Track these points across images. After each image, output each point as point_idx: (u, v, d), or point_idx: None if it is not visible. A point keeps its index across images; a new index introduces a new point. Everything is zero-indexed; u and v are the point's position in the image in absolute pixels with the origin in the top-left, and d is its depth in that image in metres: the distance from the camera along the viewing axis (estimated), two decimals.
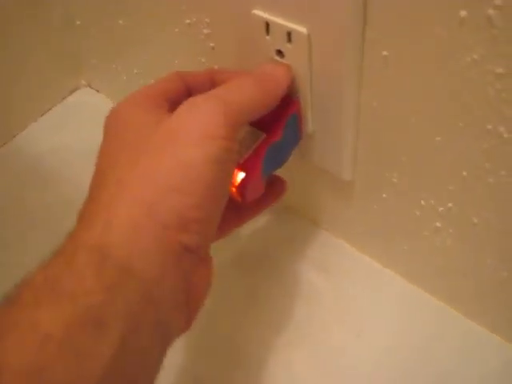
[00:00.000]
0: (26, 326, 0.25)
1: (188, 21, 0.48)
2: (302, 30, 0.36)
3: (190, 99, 0.34)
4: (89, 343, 0.25)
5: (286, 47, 0.38)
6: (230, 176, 0.35)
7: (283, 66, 0.39)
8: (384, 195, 0.45)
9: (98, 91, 0.76)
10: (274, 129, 0.40)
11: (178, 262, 0.31)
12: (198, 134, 0.32)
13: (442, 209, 0.41)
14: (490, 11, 0.28)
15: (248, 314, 0.52)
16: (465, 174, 0.37)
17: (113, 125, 0.36)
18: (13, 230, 0.62)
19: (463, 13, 0.29)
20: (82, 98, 0.75)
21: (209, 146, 0.31)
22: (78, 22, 0.65)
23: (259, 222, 0.58)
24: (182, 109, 0.33)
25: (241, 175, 0.38)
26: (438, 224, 0.43)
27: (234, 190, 0.38)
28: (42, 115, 0.74)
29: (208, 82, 0.41)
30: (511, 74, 0.30)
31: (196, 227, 0.31)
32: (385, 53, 0.35)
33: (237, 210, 0.43)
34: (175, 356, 0.50)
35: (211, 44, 0.48)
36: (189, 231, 0.31)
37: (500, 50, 0.30)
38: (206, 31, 0.47)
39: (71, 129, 0.71)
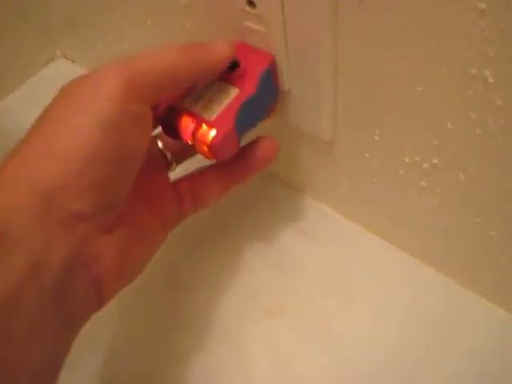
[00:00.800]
0: None
1: None
2: None
3: (99, 66, 0.32)
4: None
5: None
6: (134, 138, 0.32)
7: (222, 39, 0.37)
8: (366, 155, 0.43)
9: (73, 62, 0.73)
10: (248, 83, 0.38)
11: (68, 230, 0.29)
12: (89, 96, 0.31)
13: (426, 166, 0.39)
14: None
15: (227, 284, 0.50)
16: (449, 125, 0.35)
17: (59, 95, 0.33)
18: None
19: None
20: (57, 69, 0.73)
21: (98, 109, 0.30)
22: None
23: (240, 186, 0.56)
24: (86, 74, 0.32)
25: (212, 132, 0.36)
26: (424, 183, 0.41)
27: (205, 148, 0.36)
28: (16, 88, 0.71)
29: None
30: (496, 9, 0.28)
31: (85, 194, 0.30)
32: None
33: (220, 174, 0.42)
34: (153, 331, 0.48)
35: (183, 1, 0.45)
36: (77, 198, 0.30)
37: None
38: None
39: (47, 100, 0.69)
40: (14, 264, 0.27)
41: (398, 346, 0.44)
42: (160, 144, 0.42)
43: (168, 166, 0.42)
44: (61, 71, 0.73)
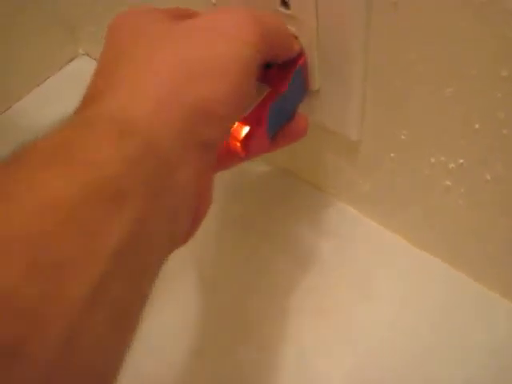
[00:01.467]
0: (33, 187, 0.21)
1: None
2: None
3: (220, 7, 0.32)
4: (103, 217, 0.22)
5: None
6: (254, 87, 0.33)
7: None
8: (392, 154, 0.44)
9: (96, 60, 0.74)
10: (280, 82, 0.39)
11: (197, 153, 0.29)
12: (229, 33, 0.30)
13: (452, 165, 0.40)
14: None
15: (250, 281, 0.51)
16: (477, 126, 0.36)
17: (121, 26, 0.33)
18: None
19: None
20: (79, 67, 0.74)
21: (240, 47, 0.30)
22: None
23: (262, 184, 0.56)
24: (211, 11, 0.32)
25: (245, 129, 0.37)
26: (449, 183, 0.41)
27: (237, 144, 0.37)
28: (38, 85, 0.72)
29: None
30: None
31: (221, 122, 0.30)
32: None
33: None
34: (175, 330, 0.49)
35: (213, 1, 0.46)
36: (213, 125, 0.30)
37: None
38: None
39: (69, 98, 0.69)
40: (150, 175, 0.26)
41: (421, 346, 0.45)
42: None
43: None
44: (83, 69, 0.73)
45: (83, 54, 0.75)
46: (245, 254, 0.52)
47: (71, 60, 0.75)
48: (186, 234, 0.32)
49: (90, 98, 0.30)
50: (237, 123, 0.37)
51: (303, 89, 0.41)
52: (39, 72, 0.73)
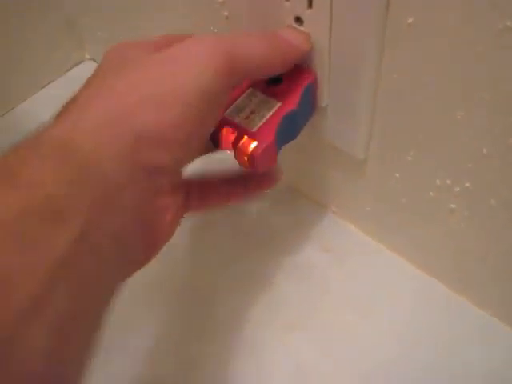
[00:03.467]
0: None
1: None
2: None
3: (196, 35, 0.33)
4: (44, 233, 0.24)
5: (306, 13, 0.37)
6: (216, 112, 0.34)
7: (301, 32, 0.38)
8: (397, 175, 0.44)
9: None
10: (290, 98, 0.39)
11: (145, 176, 0.30)
12: (195, 61, 0.31)
13: (458, 189, 0.40)
14: None
15: (249, 295, 0.50)
16: (485, 151, 0.36)
17: (111, 56, 0.35)
18: None
19: None
20: (85, 72, 0.73)
21: (198, 73, 0.31)
22: None
23: (265, 200, 0.56)
24: (186, 40, 0.33)
25: (253, 144, 0.37)
26: (453, 205, 0.41)
27: (245, 158, 0.37)
28: (44, 87, 0.73)
29: None
30: None
31: (171, 147, 0.31)
32: (410, 20, 0.33)
33: (229, 184, 0.43)
34: (169, 338, 0.49)
35: (225, 13, 0.46)
36: (162, 149, 0.30)
37: None
38: None
39: None
40: (92, 195, 0.27)
41: (419, 365, 0.45)
42: None
43: None
44: (88, 74, 0.73)
45: (89, 59, 0.75)
46: (245, 267, 0.52)
47: (77, 64, 0.75)
48: (139, 261, 0.33)
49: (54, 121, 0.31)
50: (246, 137, 0.37)
51: (312, 106, 0.42)
52: (45, 74, 0.73)
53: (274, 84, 0.39)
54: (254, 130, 0.37)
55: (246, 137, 0.37)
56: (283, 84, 0.39)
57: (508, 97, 0.32)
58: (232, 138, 0.38)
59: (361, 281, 0.50)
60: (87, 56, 0.75)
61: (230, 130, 0.38)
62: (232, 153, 0.38)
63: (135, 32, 0.60)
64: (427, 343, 0.46)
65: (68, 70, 0.74)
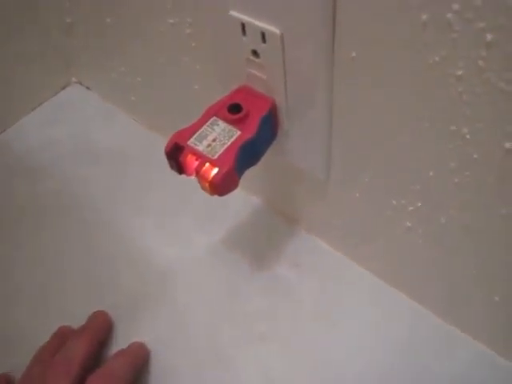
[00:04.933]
0: None
1: (171, 20, 0.49)
2: (275, 30, 0.37)
3: None
4: None
5: (261, 47, 0.39)
6: None
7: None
8: (357, 195, 0.46)
9: (88, 88, 0.77)
10: (249, 126, 0.41)
11: None
12: None
13: (411, 208, 0.42)
14: (449, 15, 0.29)
15: (219, 308, 0.53)
16: (431, 173, 0.38)
17: None
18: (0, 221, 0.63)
19: (424, 16, 0.30)
20: (72, 95, 0.77)
21: None
22: (69, 20, 0.66)
23: (236, 217, 0.59)
24: None
25: (214, 171, 0.39)
26: (409, 224, 0.44)
27: (207, 184, 0.39)
28: (32, 110, 0.75)
29: None
30: (471, 77, 0.31)
31: None
32: (353, 54, 0.36)
33: None
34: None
35: (193, 44, 0.49)
36: None
37: (460, 53, 0.31)
38: (188, 31, 0.48)
39: (61, 124, 0.73)
40: None
41: (384, 377, 0.47)
42: None
43: None
44: (75, 97, 0.76)
45: (76, 82, 0.78)
46: (215, 281, 0.54)
47: (64, 87, 0.78)
48: None
49: None
50: (207, 164, 0.39)
51: (272, 132, 0.44)
52: (33, 97, 0.76)
53: (235, 112, 0.42)
54: (215, 157, 0.40)
55: (207, 164, 0.40)
56: (243, 112, 0.41)
57: (445, 125, 0.34)
58: (195, 164, 0.40)
59: (329, 294, 0.52)
60: (74, 79, 0.78)
61: (194, 157, 0.40)
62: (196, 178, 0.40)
63: (118, 55, 0.63)
64: (391, 354, 0.48)
65: (55, 94, 0.77)
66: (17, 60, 0.70)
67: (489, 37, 0.29)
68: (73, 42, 0.70)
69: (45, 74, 0.75)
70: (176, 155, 0.41)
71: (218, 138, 0.41)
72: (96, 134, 0.71)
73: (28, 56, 0.71)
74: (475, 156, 0.35)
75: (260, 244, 0.57)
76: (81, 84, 0.77)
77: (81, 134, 0.71)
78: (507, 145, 0.33)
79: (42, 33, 0.71)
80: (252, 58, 0.41)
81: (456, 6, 0.29)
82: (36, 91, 0.75)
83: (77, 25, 0.65)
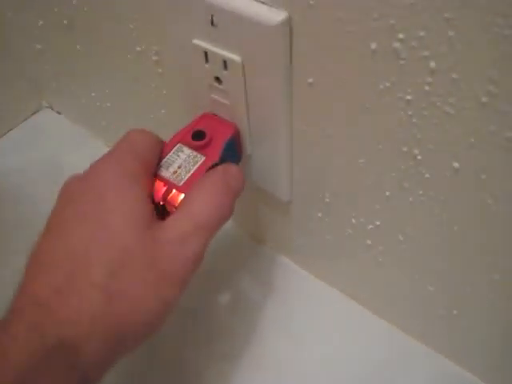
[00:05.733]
0: None
1: (138, 48, 0.51)
2: (236, 58, 0.39)
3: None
4: None
5: (223, 74, 0.41)
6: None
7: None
8: (319, 214, 0.47)
9: (59, 113, 0.78)
10: (213, 152, 0.42)
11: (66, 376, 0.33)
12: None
13: (371, 227, 0.44)
14: (396, 44, 0.31)
15: (185, 329, 0.53)
16: (388, 193, 0.40)
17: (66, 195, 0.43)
18: None
19: (374, 45, 0.32)
20: (43, 120, 0.77)
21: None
22: (39, 47, 0.67)
23: None
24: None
25: (181, 197, 0.40)
26: (369, 242, 0.45)
27: (174, 210, 0.40)
28: (3, 135, 0.76)
29: None
30: (419, 101, 0.33)
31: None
32: (310, 80, 0.38)
33: None
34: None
35: (159, 70, 0.50)
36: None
37: (408, 79, 0.32)
38: (154, 58, 0.50)
39: (31, 149, 0.73)
40: None
41: None
42: None
43: None
44: (46, 121, 0.77)
45: (47, 107, 0.79)
46: (184, 301, 0.55)
47: (35, 112, 0.78)
48: None
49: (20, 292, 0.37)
50: (174, 191, 0.41)
51: (237, 156, 0.45)
52: (4, 123, 0.76)
53: (199, 139, 0.43)
54: (181, 183, 0.41)
55: (174, 190, 0.41)
56: (207, 138, 0.43)
57: (397, 147, 0.36)
58: (163, 191, 0.41)
59: (295, 312, 0.53)
60: (45, 104, 0.78)
61: (161, 183, 0.42)
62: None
63: (88, 81, 0.64)
64: (358, 371, 0.49)
65: (26, 119, 0.77)
66: None
67: (432, 64, 0.31)
68: (43, 68, 0.71)
69: (15, 99, 0.75)
70: None
71: (183, 164, 0.42)
72: (68, 158, 0.71)
73: None
74: (427, 176, 0.37)
75: (226, 263, 0.58)
76: (51, 109, 0.78)
77: (52, 158, 0.72)
78: (455, 164, 0.34)
79: (13, 58, 0.72)
80: (215, 84, 0.42)
81: (401, 35, 0.31)
82: (7, 116, 0.76)
83: (47, 51, 0.67)
